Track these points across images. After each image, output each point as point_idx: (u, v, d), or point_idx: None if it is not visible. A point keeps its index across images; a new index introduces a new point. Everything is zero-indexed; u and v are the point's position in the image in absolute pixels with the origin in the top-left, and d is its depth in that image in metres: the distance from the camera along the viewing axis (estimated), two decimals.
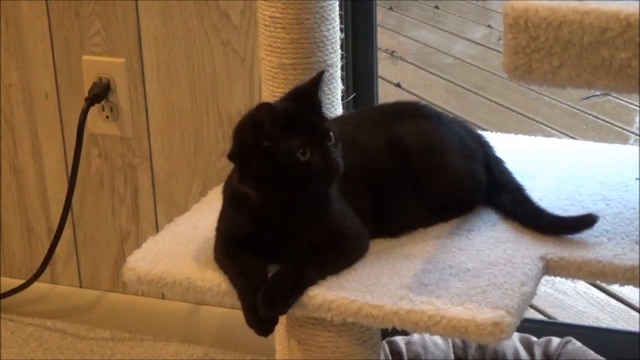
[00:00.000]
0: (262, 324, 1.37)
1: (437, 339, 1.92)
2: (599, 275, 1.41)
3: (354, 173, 1.46)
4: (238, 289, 1.40)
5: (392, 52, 4.49)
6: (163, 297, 2.34)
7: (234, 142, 1.40)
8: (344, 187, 1.44)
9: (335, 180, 1.39)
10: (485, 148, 1.61)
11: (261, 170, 1.36)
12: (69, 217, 2.32)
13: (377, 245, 1.46)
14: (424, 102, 1.59)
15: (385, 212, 1.48)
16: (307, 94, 1.41)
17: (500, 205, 1.56)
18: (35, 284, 2.37)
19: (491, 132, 1.85)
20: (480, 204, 1.56)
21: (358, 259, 1.43)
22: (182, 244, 1.51)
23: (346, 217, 1.43)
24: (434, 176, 1.51)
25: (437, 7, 5.12)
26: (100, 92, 2.21)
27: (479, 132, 1.66)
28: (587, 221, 1.46)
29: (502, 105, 3.93)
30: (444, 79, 4.22)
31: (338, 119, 1.65)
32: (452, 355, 1.91)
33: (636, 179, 1.63)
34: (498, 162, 1.60)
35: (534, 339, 1.93)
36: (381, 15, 4.78)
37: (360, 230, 1.44)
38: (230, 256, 1.43)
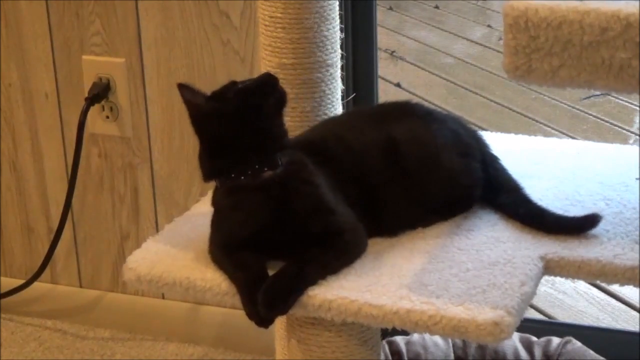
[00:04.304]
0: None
1: (437, 339, 1.92)
2: (599, 275, 1.41)
3: (346, 172, 1.46)
4: (237, 282, 1.40)
5: (392, 52, 4.49)
6: (163, 297, 2.34)
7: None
8: (337, 186, 1.44)
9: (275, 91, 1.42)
10: (481, 145, 1.60)
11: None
12: (69, 217, 2.32)
13: (377, 245, 1.46)
14: (421, 101, 1.59)
15: (381, 211, 1.48)
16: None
17: (500, 205, 1.55)
18: (35, 284, 2.37)
19: (491, 132, 1.86)
20: (478, 202, 1.56)
21: (358, 256, 1.43)
22: (182, 243, 1.51)
23: (341, 208, 1.43)
24: (429, 174, 1.51)
25: (437, 7, 5.12)
26: (100, 92, 2.21)
27: (475, 130, 1.66)
28: (591, 221, 1.47)
29: (502, 105, 3.93)
30: (444, 79, 4.22)
31: (329, 121, 1.65)
32: (452, 355, 1.91)
33: (636, 179, 1.63)
34: (494, 160, 1.60)
35: (534, 339, 1.93)
36: (381, 15, 4.79)
37: (356, 223, 1.44)
38: (228, 254, 1.43)
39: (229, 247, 1.43)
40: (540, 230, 1.49)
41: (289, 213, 1.40)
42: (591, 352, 1.89)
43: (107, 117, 2.24)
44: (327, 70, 1.68)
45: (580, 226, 1.47)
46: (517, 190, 1.56)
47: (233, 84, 1.43)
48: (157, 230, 2.15)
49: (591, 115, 3.79)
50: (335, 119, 1.66)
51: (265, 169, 1.40)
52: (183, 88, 1.44)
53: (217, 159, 1.42)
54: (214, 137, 1.41)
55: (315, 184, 1.42)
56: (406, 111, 1.58)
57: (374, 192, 1.48)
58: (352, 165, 1.48)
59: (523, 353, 1.89)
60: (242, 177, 1.40)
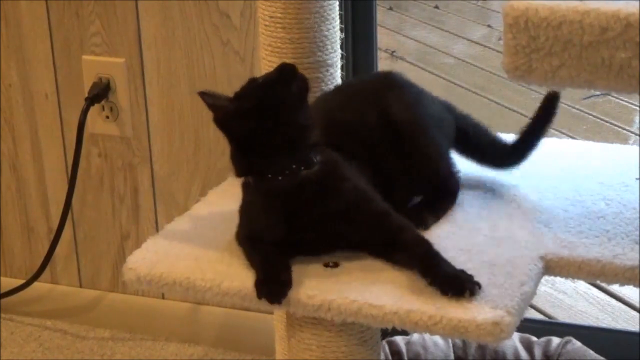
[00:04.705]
0: (273, 288, 1.37)
1: (437, 339, 1.92)
2: (599, 275, 1.41)
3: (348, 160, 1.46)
4: (255, 262, 1.41)
5: (392, 52, 4.49)
6: (163, 297, 2.34)
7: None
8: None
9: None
10: (457, 116, 1.64)
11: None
12: (69, 217, 2.32)
13: None
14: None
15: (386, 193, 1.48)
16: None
17: (491, 161, 1.63)
18: (35, 284, 2.37)
19: None
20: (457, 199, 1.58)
21: None
22: (182, 244, 1.51)
23: (377, 196, 1.44)
24: (419, 157, 1.53)
25: (437, 7, 5.11)
26: (100, 92, 2.21)
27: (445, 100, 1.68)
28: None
29: (502, 105, 3.92)
30: (444, 79, 4.22)
31: (319, 101, 1.62)
32: (452, 355, 1.91)
33: (636, 179, 1.63)
34: (475, 126, 1.66)
35: (534, 339, 1.93)
36: (381, 15, 4.78)
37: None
38: (253, 242, 1.44)
39: (257, 240, 1.43)
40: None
41: (327, 211, 1.40)
42: (591, 352, 1.89)
43: (107, 117, 2.24)
44: (327, 70, 1.68)
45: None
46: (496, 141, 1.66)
47: (252, 80, 1.43)
48: (157, 230, 2.15)
49: (591, 115, 3.79)
50: (325, 100, 1.62)
51: (302, 169, 1.39)
52: (204, 95, 1.42)
53: (251, 158, 1.40)
54: (244, 137, 1.39)
55: (352, 179, 1.42)
56: (393, 84, 1.58)
57: (376, 173, 1.48)
58: (352, 149, 1.49)
59: (523, 353, 1.89)
60: (280, 178, 1.39)
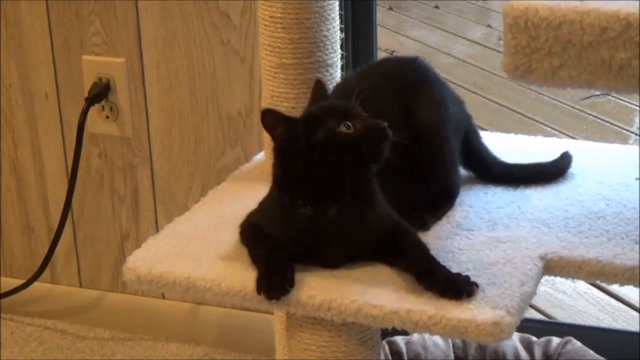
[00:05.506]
0: (274, 285, 1.35)
1: (437, 339, 1.92)
2: (599, 275, 1.41)
3: None
4: (258, 257, 1.40)
5: (392, 52, 4.49)
6: (163, 297, 2.35)
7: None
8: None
9: (385, 142, 1.35)
10: (467, 117, 1.64)
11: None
12: (69, 217, 2.32)
13: None
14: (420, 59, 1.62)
15: (396, 195, 1.47)
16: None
17: (480, 173, 1.64)
18: (35, 284, 2.37)
19: (491, 132, 1.86)
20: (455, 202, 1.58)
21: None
22: (182, 244, 1.51)
23: (392, 213, 1.43)
24: (435, 164, 1.53)
25: (437, 7, 5.12)
26: (100, 92, 2.22)
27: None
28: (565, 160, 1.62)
29: (502, 105, 3.93)
30: (444, 79, 4.22)
31: (344, 83, 1.60)
32: (452, 355, 1.91)
33: (636, 179, 1.63)
34: (477, 136, 1.65)
35: (534, 339, 1.93)
36: (381, 15, 4.78)
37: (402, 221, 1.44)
38: (258, 237, 1.43)
39: (265, 237, 1.42)
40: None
41: (346, 238, 1.39)
42: (591, 352, 1.89)
43: (107, 117, 2.24)
44: (327, 70, 1.68)
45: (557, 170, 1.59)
46: (498, 162, 1.65)
47: (353, 107, 1.37)
48: (157, 230, 2.15)
49: (591, 115, 3.79)
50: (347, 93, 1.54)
51: (333, 204, 1.36)
52: (270, 117, 1.35)
53: (291, 178, 1.37)
54: (299, 165, 1.36)
55: (378, 210, 1.41)
56: (421, 79, 1.58)
57: (392, 173, 1.47)
58: None
59: (523, 353, 1.89)
60: (309, 207, 1.36)
